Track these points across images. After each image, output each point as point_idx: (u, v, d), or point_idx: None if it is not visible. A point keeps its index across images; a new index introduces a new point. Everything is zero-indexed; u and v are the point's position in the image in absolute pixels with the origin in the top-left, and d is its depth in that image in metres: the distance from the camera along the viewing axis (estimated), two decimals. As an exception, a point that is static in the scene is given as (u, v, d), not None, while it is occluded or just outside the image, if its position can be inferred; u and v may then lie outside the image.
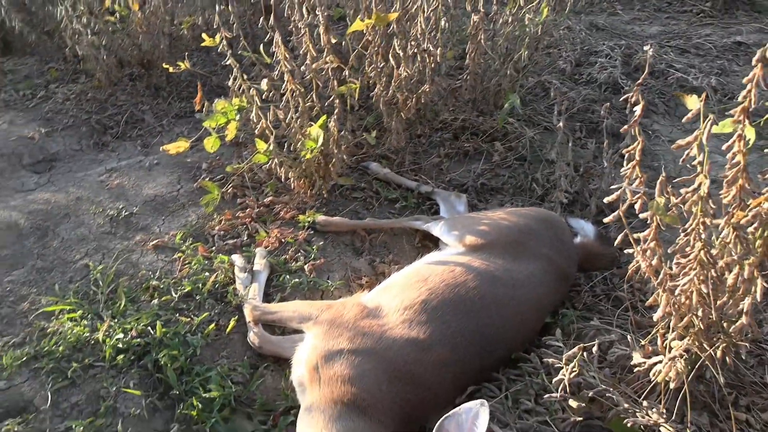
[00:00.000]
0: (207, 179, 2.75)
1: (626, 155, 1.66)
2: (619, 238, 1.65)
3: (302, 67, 2.54)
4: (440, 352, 1.74)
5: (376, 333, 1.75)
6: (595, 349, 1.59)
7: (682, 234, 1.50)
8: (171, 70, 2.61)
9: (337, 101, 2.42)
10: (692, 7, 4.83)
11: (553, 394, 1.62)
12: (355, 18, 3.00)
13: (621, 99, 1.74)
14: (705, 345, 1.61)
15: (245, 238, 2.44)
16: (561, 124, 2.50)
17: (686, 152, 1.46)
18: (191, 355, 1.94)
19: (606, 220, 1.65)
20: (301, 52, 2.66)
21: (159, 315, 2.05)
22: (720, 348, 1.59)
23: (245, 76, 2.48)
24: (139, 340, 1.95)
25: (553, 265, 2.05)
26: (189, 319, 2.05)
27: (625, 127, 1.66)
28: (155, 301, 2.12)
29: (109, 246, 2.39)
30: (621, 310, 2.06)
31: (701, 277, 1.51)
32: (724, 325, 1.58)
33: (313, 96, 2.53)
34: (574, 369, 1.60)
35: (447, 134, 3.00)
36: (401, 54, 2.47)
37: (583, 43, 4.02)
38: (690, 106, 1.68)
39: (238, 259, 2.26)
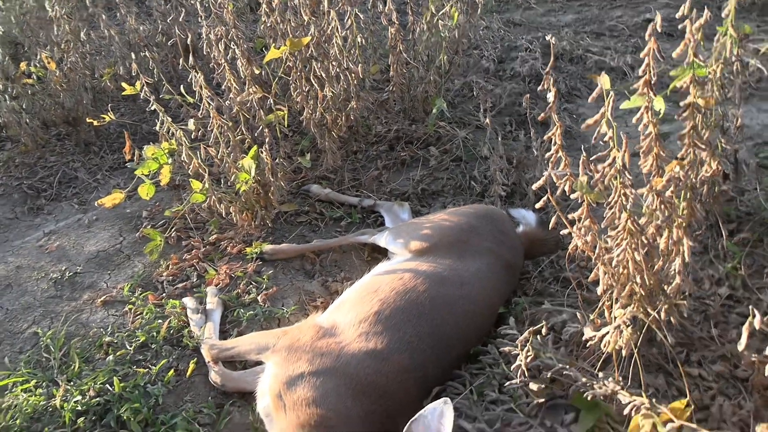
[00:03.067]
0: (148, 227, 2.72)
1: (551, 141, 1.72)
2: (553, 220, 1.70)
3: (227, 102, 2.56)
4: (399, 359, 1.76)
5: (334, 351, 1.76)
6: (544, 330, 1.63)
7: (607, 208, 1.56)
8: (96, 123, 2.60)
9: (266, 130, 2.43)
10: (602, -9, 5.01)
11: (514, 381, 1.65)
12: (275, 46, 3.03)
13: (538, 89, 1.81)
14: (649, 309, 1.67)
15: (195, 280, 2.42)
16: (488, 120, 2.56)
17: (597, 130, 1.52)
18: (154, 405, 1.91)
19: (537, 205, 1.70)
20: (224, 86, 2.68)
21: (116, 370, 2.01)
22: (663, 310, 1.65)
23: (173, 119, 2.47)
24: (98, 399, 1.90)
25: (498, 258, 2.10)
26: (147, 369, 2.02)
27: (542, 114, 1.72)
28: (110, 357, 2.07)
29: (57, 309, 2.34)
30: (569, 289, 2.12)
31: (633, 246, 1.57)
32: (664, 287, 1.64)
33: (242, 128, 2.54)
34: (529, 353, 1.64)
35: (382, 146, 3.04)
36: (323, 75, 2.50)
37: (503, 40, 4.12)
38: (604, 85, 1.76)
39: (189, 301, 2.24)
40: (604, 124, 1.47)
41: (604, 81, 1.78)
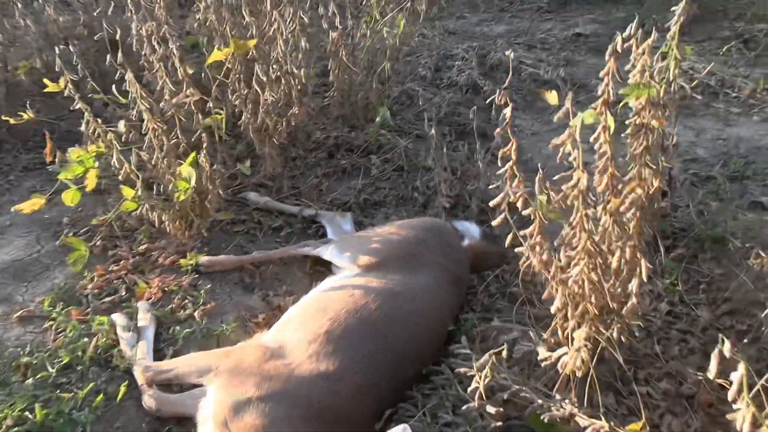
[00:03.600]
0: (70, 235, 2.52)
1: (502, 156, 1.71)
2: (509, 238, 1.69)
3: (161, 104, 2.41)
4: (353, 380, 1.70)
5: (284, 374, 1.67)
6: (504, 353, 1.60)
7: (568, 228, 1.55)
8: (13, 121, 2.39)
9: (203, 135, 2.30)
10: (532, 4, 5.12)
11: (471, 404, 1.62)
12: (209, 45, 2.90)
13: (487, 101, 1.79)
14: (601, 329, 1.68)
15: (124, 293, 2.25)
16: (433, 131, 2.54)
17: (562, 150, 1.51)
18: (81, 434, 1.76)
19: (494, 223, 1.68)
20: (158, 87, 2.52)
21: (36, 396, 1.83)
22: (615, 329, 1.66)
23: (99, 120, 2.30)
24: (16, 428, 1.73)
25: (446, 272, 2.07)
26: (72, 393, 1.85)
27: (498, 129, 1.71)
28: (29, 380, 1.89)
29: (-35, 327, 2.13)
30: (518, 305, 2.11)
31: (590, 266, 1.57)
32: (615, 306, 1.65)
33: (178, 132, 2.40)
34: (486, 375, 1.61)
35: (321, 154, 2.95)
36: (264, 79, 2.40)
37: (438, 48, 4.12)
38: (550, 102, 1.77)
39: (118, 318, 2.08)
40: (569, 144, 1.46)
41: (550, 97, 1.79)
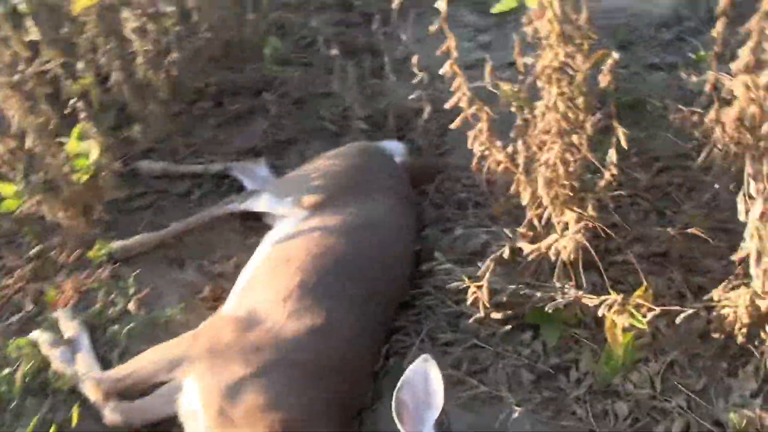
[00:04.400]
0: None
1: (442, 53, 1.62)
2: (472, 138, 1.60)
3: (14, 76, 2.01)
4: (343, 328, 1.56)
5: (270, 340, 1.50)
6: (506, 254, 1.53)
7: (540, 112, 1.48)
8: None
9: (78, 103, 1.95)
10: None
11: (476, 315, 1.55)
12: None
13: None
14: (575, 209, 1.64)
15: (31, 308, 1.92)
16: (335, 52, 2.36)
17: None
18: (46, 475, 1.49)
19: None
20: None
21: (-30, 448, 1.53)
22: (590, 206, 1.63)
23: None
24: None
25: (397, 194, 1.96)
26: (17, 433, 1.56)
27: (433, 26, 1.61)
28: (-48, 432, 1.57)
29: None
30: (471, 209, 2.05)
31: (564, 146, 1.52)
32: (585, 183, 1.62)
33: (41, 105, 2.02)
34: (483, 284, 1.53)
35: (206, 103, 2.64)
36: (135, 25, 2.06)
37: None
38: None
39: (40, 335, 1.76)
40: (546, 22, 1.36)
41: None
